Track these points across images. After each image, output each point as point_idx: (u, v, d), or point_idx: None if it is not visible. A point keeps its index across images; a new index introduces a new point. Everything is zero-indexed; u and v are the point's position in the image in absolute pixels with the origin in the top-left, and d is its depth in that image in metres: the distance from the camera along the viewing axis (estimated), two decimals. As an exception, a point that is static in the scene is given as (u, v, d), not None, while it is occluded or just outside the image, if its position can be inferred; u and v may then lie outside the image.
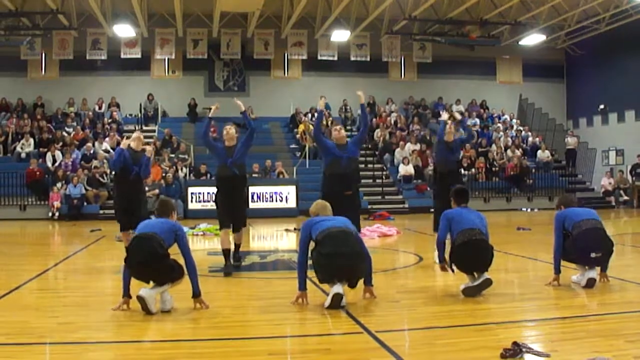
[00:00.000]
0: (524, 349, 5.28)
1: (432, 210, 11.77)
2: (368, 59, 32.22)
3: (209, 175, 24.79)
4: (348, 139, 10.09)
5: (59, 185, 24.46)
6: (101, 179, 24.76)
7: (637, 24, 28.32)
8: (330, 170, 9.69)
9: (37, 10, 27.32)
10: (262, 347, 5.86)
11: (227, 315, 7.12)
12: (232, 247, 10.31)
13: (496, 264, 8.40)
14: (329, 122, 30.88)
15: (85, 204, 23.99)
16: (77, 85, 30.77)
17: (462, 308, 7.44)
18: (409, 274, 10.28)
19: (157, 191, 23.65)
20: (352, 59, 32.15)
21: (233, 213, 10.18)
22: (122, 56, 30.54)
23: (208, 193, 23.71)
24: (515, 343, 5.35)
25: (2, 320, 6.78)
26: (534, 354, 5.25)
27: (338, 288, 7.13)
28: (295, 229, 17.47)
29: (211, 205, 22.93)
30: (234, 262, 10.20)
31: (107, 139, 27.52)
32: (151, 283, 7.16)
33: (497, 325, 6.46)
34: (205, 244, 15.60)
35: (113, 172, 11.08)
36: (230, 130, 10.26)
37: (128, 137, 11.43)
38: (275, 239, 16.65)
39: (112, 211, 24.49)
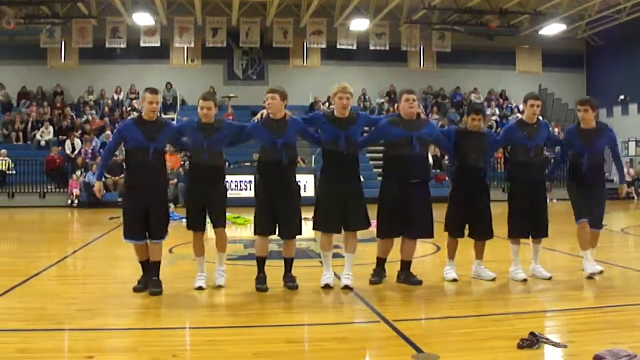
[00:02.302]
0: (541, 340, 5.27)
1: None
2: (387, 48, 32.08)
3: (227, 163, 24.79)
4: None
5: (78, 173, 24.57)
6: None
7: (658, 14, 28.07)
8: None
9: (57, -1, 27.45)
10: (280, 335, 5.88)
11: (245, 303, 7.15)
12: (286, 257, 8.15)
13: (512, 254, 8.39)
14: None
15: (104, 191, 23.98)
16: (96, 74, 30.85)
17: (479, 298, 7.44)
18: (426, 263, 10.27)
19: (175, 180, 23.72)
20: (371, 48, 32.01)
21: (278, 214, 7.88)
22: (142, 44, 30.54)
23: (226, 181, 23.75)
24: (532, 333, 5.35)
25: (22, 307, 6.84)
26: (552, 345, 5.24)
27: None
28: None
29: (230, 194, 23.00)
30: (288, 283, 7.87)
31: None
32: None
33: (514, 316, 6.45)
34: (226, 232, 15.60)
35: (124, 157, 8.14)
36: (275, 98, 7.92)
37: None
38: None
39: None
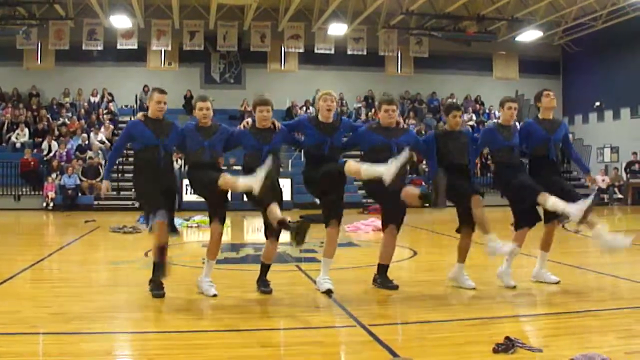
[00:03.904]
0: (516, 344, 5.29)
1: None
2: (365, 52, 32.19)
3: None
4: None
5: (53, 175, 24.41)
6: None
7: (633, 22, 28.33)
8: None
9: (34, 0, 27.23)
10: (256, 339, 5.87)
11: (221, 307, 7.12)
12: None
13: (489, 259, 8.42)
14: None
15: (79, 194, 23.93)
16: (72, 76, 30.67)
17: (455, 302, 7.46)
18: (402, 268, 10.28)
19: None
20: (349, 52, 32.09)
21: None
22: (118, 47, 30.42)
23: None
24: (507, 338, 5.36)
25: (-4, 310, 6.78)
26: (527, 349, 5.26)
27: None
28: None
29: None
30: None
31: (102, 129, 27.50)
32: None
33: (490, 320, 6.47)
34: (199, 235, 15.57)
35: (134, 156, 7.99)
36: (270, 111, 7.81)
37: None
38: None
39: (107, 202, 24.79)
